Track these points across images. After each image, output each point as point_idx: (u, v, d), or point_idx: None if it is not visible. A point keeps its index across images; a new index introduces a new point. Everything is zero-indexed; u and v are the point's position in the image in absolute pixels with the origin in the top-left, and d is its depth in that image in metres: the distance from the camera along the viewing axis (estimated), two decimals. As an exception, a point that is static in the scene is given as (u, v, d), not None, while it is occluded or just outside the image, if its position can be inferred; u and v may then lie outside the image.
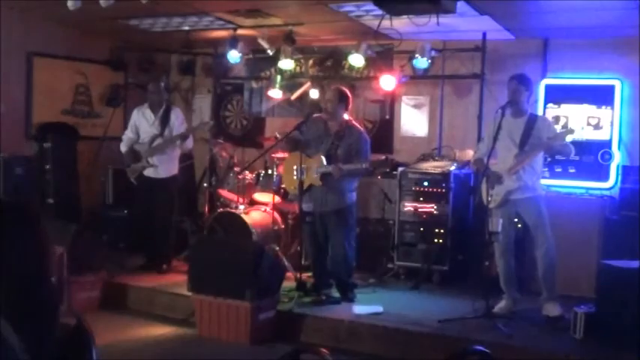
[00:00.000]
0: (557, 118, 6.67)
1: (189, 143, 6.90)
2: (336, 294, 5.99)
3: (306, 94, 7.83)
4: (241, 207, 6.85)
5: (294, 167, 5.93)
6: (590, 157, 6.52)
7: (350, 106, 6.02)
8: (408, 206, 6.75)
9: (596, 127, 6.58)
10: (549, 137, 5.39)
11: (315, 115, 6.06)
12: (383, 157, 5.91)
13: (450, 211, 6.58)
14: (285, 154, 6.56)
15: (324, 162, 5.76)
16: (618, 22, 6.01)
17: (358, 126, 6.11)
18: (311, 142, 5.95)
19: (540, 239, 5.43)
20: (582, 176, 6.56)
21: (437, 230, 6.61)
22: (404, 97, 7.74)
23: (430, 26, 5.80)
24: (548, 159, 6.09)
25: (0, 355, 1.69)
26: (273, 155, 6.84)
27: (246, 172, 6.92)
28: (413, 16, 5.71)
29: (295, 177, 5.93)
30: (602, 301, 5.00)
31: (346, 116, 5.95)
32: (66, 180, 7.63)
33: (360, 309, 5.63)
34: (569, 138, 5.45)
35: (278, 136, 6.85)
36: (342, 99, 5.89)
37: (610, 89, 6.55)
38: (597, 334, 4.86)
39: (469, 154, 6.92)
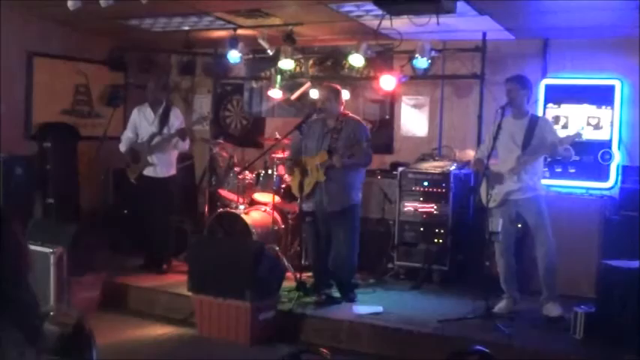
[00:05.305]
0: (557, 118, 6.67)
1: (186, 145, 6.90)
2: (336, 294, 5.99)
3: (306, 94, 7.83)
4: (241, 207, 6.85)
5: (300, 171, 5.95)
6: (590, 157, 6.52)
7: (343, 101, 6.05)
8: (408, 206, 6.76)
9: (596, 127, 6.57)
10: (556, 140, 5.36)
11: (313, 118, 6.07)
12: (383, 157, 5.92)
13: (450, 211, 6.58)
14: (285, 154, 6.57)
15: (327, 157, 5.77)
16: (618, 22, 6.01)
17: (355, 116, 6.12)
18: (311, 144, 5.95)
19: (541, 239, 5.43)
20: (582, 176, 6.56)
21: (437, 230, 6.61)
22: (404, 97, 7.74)
23: (430, 26, 5.81)
24: (549, 159, 6.09)
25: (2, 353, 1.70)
26: (273, 155, 6.85)
27: (246, 172, 6.92)
28: (413, 16, 5.71)
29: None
30: (602, 301, 4.99)
31: (342, 110, 5.98)
32: (66, 180, 7.63)
33: (360, 309, 5.63)
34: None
35: (278, 136, 6.86)
36: (337, 95, 5.94)
37: (610, 89, 6.55)
38: (597, 334, 4.86)
39: (469, 154, 6.93)
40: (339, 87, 6.10)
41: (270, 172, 6.89)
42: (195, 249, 5.93)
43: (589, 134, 6.45)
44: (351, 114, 6.11)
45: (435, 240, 6.61)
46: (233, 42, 7.39)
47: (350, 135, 5.80)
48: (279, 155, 6.77)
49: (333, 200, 5.81)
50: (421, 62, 6.74)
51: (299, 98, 7.95)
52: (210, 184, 7.91)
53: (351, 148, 5.69)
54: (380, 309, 5.63)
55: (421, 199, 6.70)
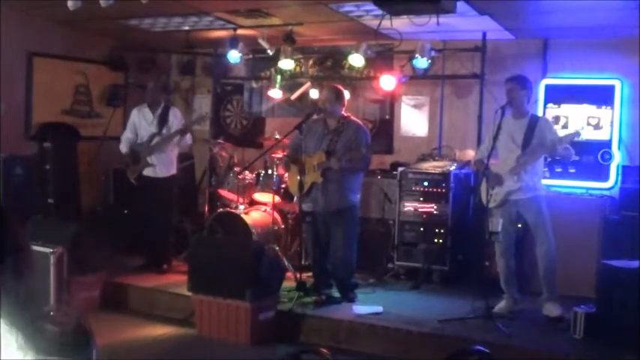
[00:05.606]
0: (557, 118, 6.67)
1: (188, 140, 6.90)
2: (336, 294, 5.99)
3: (306, 94, 7.83)
4: (241, 207, 6.85)
5: (298, 169, 5.94)
6: (590, 157, 6.52)
7: (346, 103, 6.04)
8: (408, 206, 6.75)
9: (596, 127, 6.57)
10: (555, 140, 5.35)
11: (313, 117, 6.07)
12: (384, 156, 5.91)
13: (450, 211, 6.58)
14: (285, 153, 6.57)
15: (324, 158, 5.76)
16: (618, 22, 6.01)
17: (356, 120, 6.11)
18: (311, 144, 5.94)
19: (541, 239, 5.43)
20: (582, 176, 6.56)
21: (437, 230, 6.61)
22: (404, 97, 7.74)
23: (430, 26, 5.81)
24: (548, 159, 6.09)
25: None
26: (273, 155, 6.84)
27: (246, 172, 6.92)
28: (413, 16, 5.71)
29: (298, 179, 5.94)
30: (602, 301, 5.00)
31: (344, 112, 5.97)
32: (66, 180, 7.63)
33: (360, 309, 5.63)
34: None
35: (278, 136, 6.86)
36: (338, 96, 5.92)
37: (610, 89, 6.55)
38: (597, 334, 4.86)
39: (469, 154, 6.93)
40: (341, 88, 6.07)
41: (270, 172, 6.89)
42: (196, 249, 5.93)
43: (589, 134, 6.45)
44: (353, 117, 6.10)
45: (435, 240, 6.61)
46: (233, 42, 7.39)
47: (350, 138, 5.79)
48: (279, 155, 6.77)
49: (329, 201, 5.81)
50: (421, 62, 6.73)
51: (299, 98, 7.95)
52: (210, 184, 7.90)
53: (350, 151, 5.68)
54: (380, 309, 5.63)
55: (421, 199, 6.70)
